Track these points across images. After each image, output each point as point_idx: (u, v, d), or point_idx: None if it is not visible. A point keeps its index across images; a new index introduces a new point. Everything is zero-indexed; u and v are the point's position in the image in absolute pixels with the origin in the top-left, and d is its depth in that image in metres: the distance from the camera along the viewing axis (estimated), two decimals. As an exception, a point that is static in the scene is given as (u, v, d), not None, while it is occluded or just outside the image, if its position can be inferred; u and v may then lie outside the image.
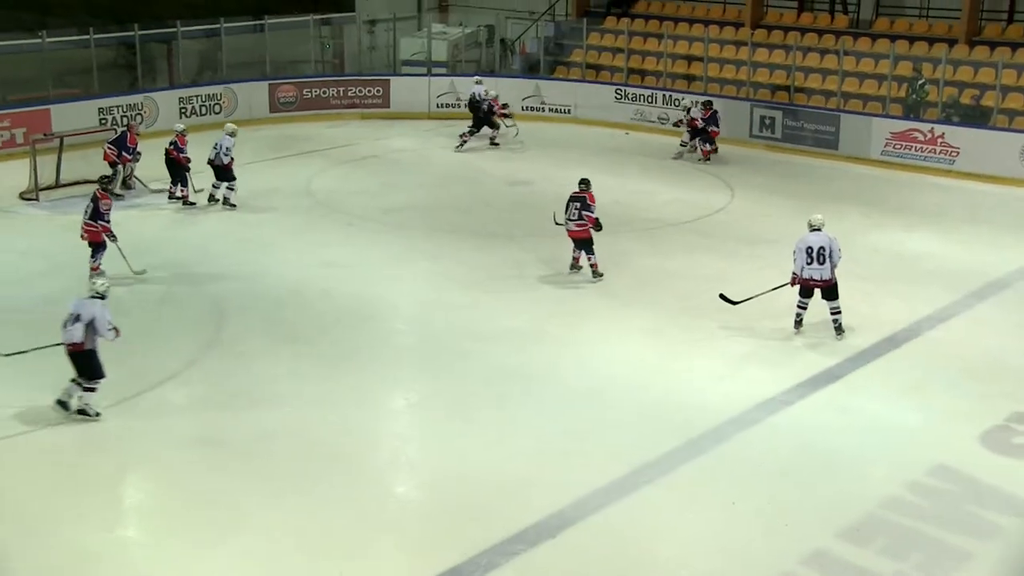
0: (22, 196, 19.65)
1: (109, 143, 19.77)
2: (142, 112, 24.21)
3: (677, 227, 18.55)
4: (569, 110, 26.67)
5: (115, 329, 11.69)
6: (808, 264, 13.62)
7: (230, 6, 27.59)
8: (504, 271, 16.25)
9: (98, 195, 15.44)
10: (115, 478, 10.73)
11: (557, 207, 16.50)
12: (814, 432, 11.59)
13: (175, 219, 18.79)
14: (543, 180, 21.23)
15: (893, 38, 24.20)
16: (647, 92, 25.87)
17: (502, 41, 29.58)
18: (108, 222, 15.41)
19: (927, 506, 10.30)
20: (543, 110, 26.81)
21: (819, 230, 13.73)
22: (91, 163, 19.71)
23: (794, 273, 13.85)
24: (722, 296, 14.46)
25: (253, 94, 26.11)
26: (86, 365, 11.58)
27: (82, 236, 15.50)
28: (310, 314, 14.67)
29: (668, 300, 15.18)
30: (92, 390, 11.62)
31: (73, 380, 11.63)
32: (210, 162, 19.03)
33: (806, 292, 13.86)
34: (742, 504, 10.20)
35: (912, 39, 24.28)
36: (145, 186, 20.19)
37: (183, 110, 24.88)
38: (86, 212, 15.52)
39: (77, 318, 11.51)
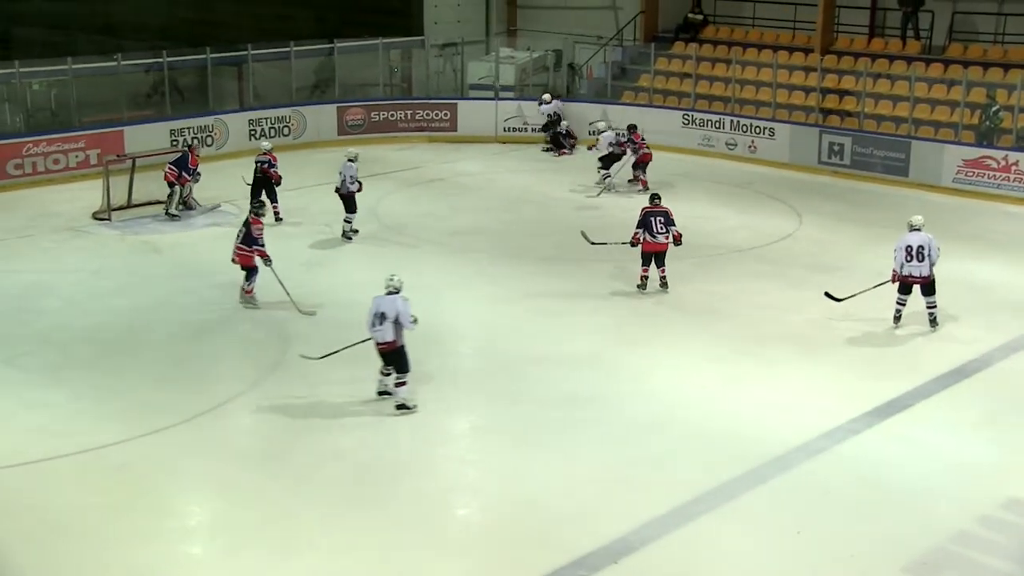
0: (95, 216, 20.01)
1: (171, 164, 20.11)
2: (213, 134, 24.62)
3: (743, 253, 18.40)
4: (636, 135, 26.59)
5: (415, 319, 12.14)
6: (908, 262, 14.50)
7: (301, 30, 28.00)
8: (569, 296, 16.20)
9: (250, 220, 15.49)
10: (181, 495, 10.84)
11: (621, 231, 16.50)
12: (881, 463, 11.39)
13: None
14: (611, 205, 21.19)
15: (966, 64, 23.85)
16: (715, 118, 25.73)
17: (570, 66, 29.64)
18: (263, 246, 15.47)
19: (999, 540, 10.08)
20: (610, 135, 26.77)
21: (919, 230, 14.62)
22: (162, 184, 20.10)
23: (894, 270, 14.61)
24: (827, 294, 15.12)
25: (321, 117, 26.40)
26: (397, 360, 12.18)
27: (233, 260, 15.55)
28: (374, 336, 14.73)
29: (733, 327, 15.04)
30: (403, 384, 12.24)
31: (383, 372, 12.37)
32: (337, 191, 18.74)
33: (905, 289, 14.67)
34: (807, 534, 10.06)
35: (986, 65, 23.91)
36: (202, 206, 20.52)
37: (252, 132, 25.23)
38: (238, 236, 15.54)
39: (383, 316, 11.96)
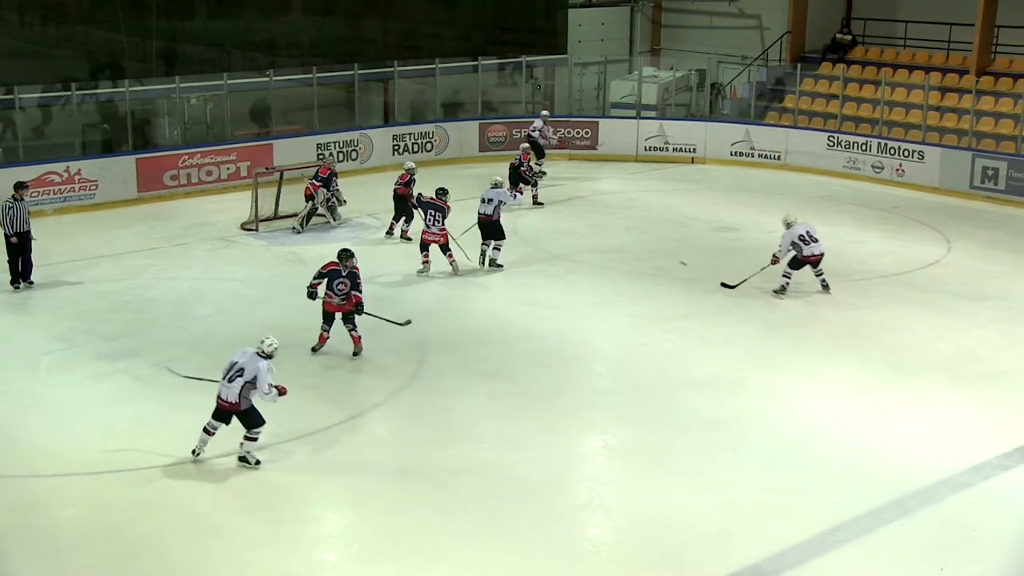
0: (243, 226, 20.58)
1: (313, 179, 20.54)
2: (358, 148, 25.12)
3: (888, 279, 17.93)
4: (779, 156, 26.21)
5: (275, 390, 11.13)
6: None
7: (446, 47, 28.37)
8: (706, 316, 16.04)
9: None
10: (318, 503, 11.02)
11: (762, 255, 16.27)
12: (1033, 500, 10.97)
13: (382, 255, 19.22)
14: (751, 226, 20.90)
15: None
16: (861, 140, 25.18)
17: (713, 85, 29.39)
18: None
19: None
20: (752, 156, 26.43)
21: None
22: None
23: (776, 256, 16.36)
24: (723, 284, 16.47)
25: (464, 133, 26.71)
26: (245, 417, 11.24)
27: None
28: (511, 352, 14.79)
29: (875, 353, 14.65)
30: (253, 439, 11.34)
31: (209, 429, 11.42)
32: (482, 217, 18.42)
33: None
34: (952, 572, 9.71)
35: None
36: (333, 220, 20.97)
37: (396, 147, 25.67)
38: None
39: (241, 372, 11.08)
